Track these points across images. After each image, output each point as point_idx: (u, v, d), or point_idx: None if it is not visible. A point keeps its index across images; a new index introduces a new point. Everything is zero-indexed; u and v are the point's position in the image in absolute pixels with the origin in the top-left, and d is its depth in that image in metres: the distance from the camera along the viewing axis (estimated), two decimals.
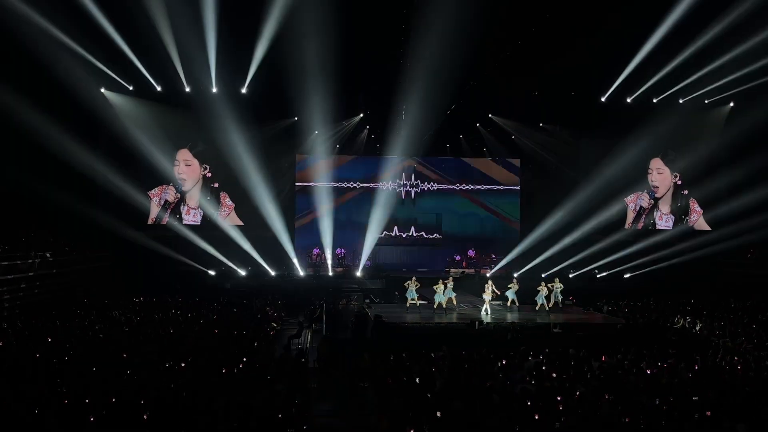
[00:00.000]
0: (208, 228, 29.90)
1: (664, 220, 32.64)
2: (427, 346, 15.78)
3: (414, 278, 22.47)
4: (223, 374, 12.67)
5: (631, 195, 32.56)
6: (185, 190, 30.59)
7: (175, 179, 30.46)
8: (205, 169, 30.62)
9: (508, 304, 22.15)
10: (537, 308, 21.50)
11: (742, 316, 22.05)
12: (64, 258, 25.22)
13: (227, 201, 30.88)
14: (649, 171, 32.63)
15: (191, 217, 30.51)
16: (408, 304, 21.85)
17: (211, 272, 27.72)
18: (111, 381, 11.77)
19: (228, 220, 30.52)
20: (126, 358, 13.65)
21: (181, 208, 30.51)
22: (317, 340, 18.01)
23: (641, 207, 32.53)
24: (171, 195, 30.38)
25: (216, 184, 30.84)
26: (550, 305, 21.77)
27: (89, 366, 12.72)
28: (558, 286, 21.83)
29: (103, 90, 27.90)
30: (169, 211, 30.15)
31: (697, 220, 32.51)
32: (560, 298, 21.68)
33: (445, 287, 22.09)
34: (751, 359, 15.44)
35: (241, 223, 30.30)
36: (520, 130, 31.61)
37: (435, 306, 21.69)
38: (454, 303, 22.19)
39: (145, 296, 23.56)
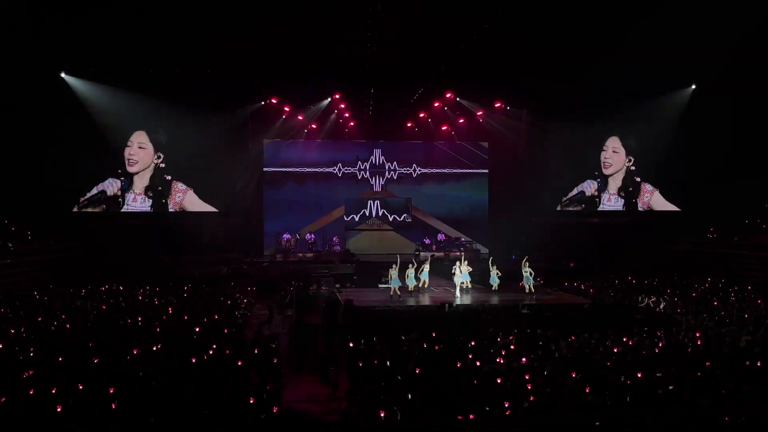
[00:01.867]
0: (162, 216, 29.44)
1: (612, 201, 33.15)
2: (398, 329, 15.87)
3: (411, 264, 22.46)
4: (194, 362, 12.55)
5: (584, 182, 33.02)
6: (132, 172, 29.87)
7: (124, 161, 29.58)
8: (159, 158, 29.98)
9: (495, 288, 22.21)
10: (527, 291, 21.67)
11: (704, 294, 22.61)
12: (27, 247, 24.69)
13: (179, 186, 30.22)
14: (605, 149, 33.10)
15: (138, 204, 29.83)
16: (411, 288, 21.65)
17: (178, 259, 27.34)
18: (78, 370, 11.59)
19: (185, 206, 29.93)
20: (93, 347, 13.43)
21: (127, 195, 29.75)
22: (288, 326, 17.93)
23: (582, 192, 32.96)
24: (114, 188, 29.59)
25: (168, 177, 30.11)
26: (524, 286, 21.93)
27: (55, 355, 12.52)
28: (526, 268, 22.01)
29: (63, 75, 27.35)
30: (104, 202, 29.23)
31: (650, 199, 33.07)
32: (531, 281, 21.88)
33: (421, 270, 22.15)
34: (711, 336, 15.85)
35: (208, 210, 29.93)
36: (488, 113, 31.78)
37: (411, 288, 21.65)
38: (426, 286, 22.24)
39: (111, 284, 23.19)
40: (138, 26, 22.35)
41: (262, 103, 29.98)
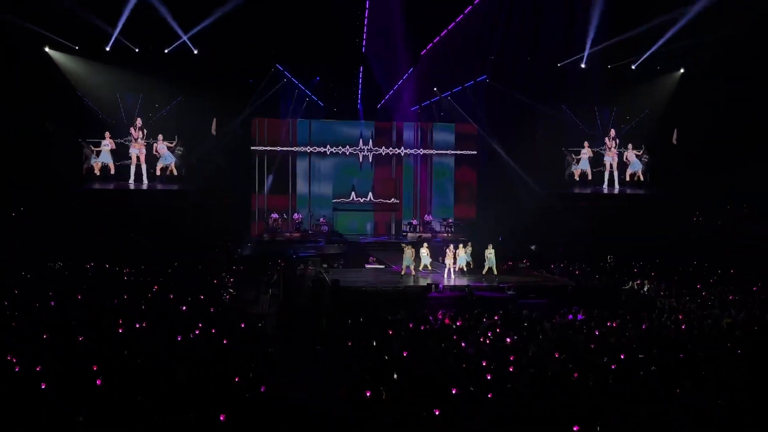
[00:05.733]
0: (149, 195, 29.24)
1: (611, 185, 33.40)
2: (384, 310, 15.97)
3: (426, 245, 22.61)
4: (179, 340, 12.53)
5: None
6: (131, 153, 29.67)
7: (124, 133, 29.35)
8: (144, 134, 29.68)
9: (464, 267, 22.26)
10: (484, 272, 21.78)
11: (688, 277, 22.85)
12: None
13: (167, 159, 29.92)
14: (607, 138, 33.16)
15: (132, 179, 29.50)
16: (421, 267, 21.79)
17: (163, 239, 27.11)
18: (62, 348, 11.55)
19: (173, 184, 29.77)
20: (77, 325, 13.37)
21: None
22: (275, 306, 18.00)
23: (589, 157, 32.89)
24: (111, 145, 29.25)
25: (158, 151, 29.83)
26: (484, 271, 22.05)
27: (40, 333, 12.47)
28: (490, 252, 22.07)
29: (47, 49, 26.99)
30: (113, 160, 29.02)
31: (638, 171, 33.09)
32: (494, 263, 21.99)
33: (416, 253, 22.20)
34: (694, 318, 16.03)
35: (197, 188, 29.69)
36: (477, 95, 31.70)
37: (402, 272, 21.59)
38: (429, 268, 22.09)
39: (98, 263, 23.06)
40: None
41: (251, 81, 29.59)
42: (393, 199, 32.61)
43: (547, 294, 19.12)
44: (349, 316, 15.14)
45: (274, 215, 30.54)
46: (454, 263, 21.49)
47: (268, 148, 31.70)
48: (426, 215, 32.26)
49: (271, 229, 30.04)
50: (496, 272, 21.57)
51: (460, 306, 17.37)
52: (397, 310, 16.05)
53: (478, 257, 22.42)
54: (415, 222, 31.68)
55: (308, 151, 32.23)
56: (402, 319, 14.91)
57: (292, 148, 32.07)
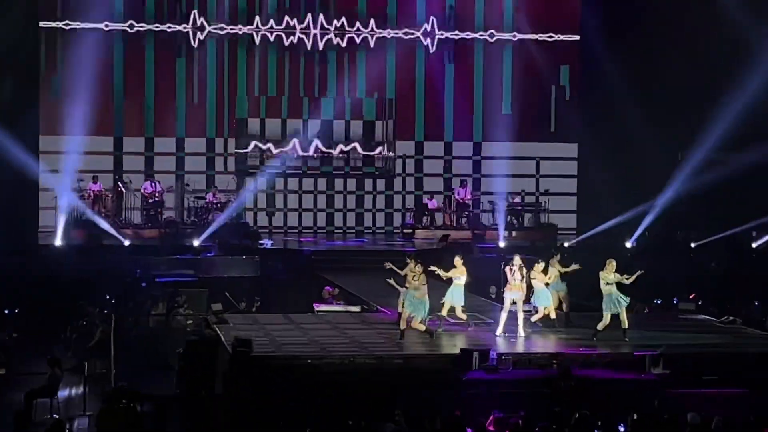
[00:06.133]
0: None
1: None
2: (359, 412, 9.34)
3: (460, 259, 11.87)
4: None
5: None
6: None
7: None
8: None
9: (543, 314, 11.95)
10: (602, 325, 11.79)
11: None
12: None
13: None
14: None
15: None
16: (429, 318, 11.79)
17: None
18: None
19: None
20: None
21: None
22: (97, 399, 11.67)
23: None
24: None
25: None
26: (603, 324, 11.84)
27: None
28: (610, 275, 11.95)
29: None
30: None
31: None
32: (622, 303, 11.73)
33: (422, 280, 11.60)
34: None
35: None
36: None
37: (402, 323, 11.69)
38: (463, 317, 11.93)
39: None
40: None
41: None
42: (380, 150, 19.99)
43: (745, 374, 10.50)
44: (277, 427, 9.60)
45: (94, 186, 18.58)
46: (528, 302, 11.97)
47: (76, 26, 19.29)
48: (429, 200, 19.72)
49: (84, 222, 17.99)
50: (626, 324, 11.59)
51: (539, 402, 9.78)
52: (389, 411, 9.39)
53: (585, 285, 12.45)
54: (432, 203, 19.53)
55: (172, 29, 19.39)
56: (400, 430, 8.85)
57: (124, 26, 19.47)
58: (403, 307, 11.49)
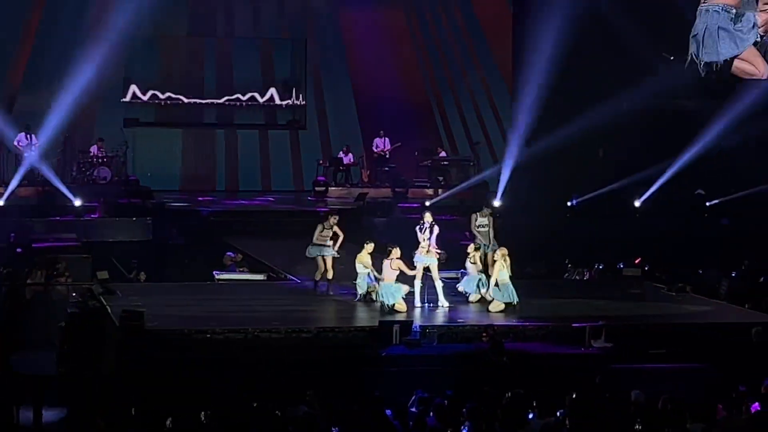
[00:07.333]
0: None
1: None
2: (269, 391, 8.45)
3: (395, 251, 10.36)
4: None
5: None
6: None
7: None
8: None
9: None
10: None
11: None
12: None
13: None
14: None
15: None
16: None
17: None
18: None
19: None
20: None
21: None
22: None
23: None
24: None
25: None
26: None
27: None
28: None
29: None
30: None
31: None
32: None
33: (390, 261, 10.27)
34: None
35: None
36: None
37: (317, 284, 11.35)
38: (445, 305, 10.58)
39: None
40: None
41: None
42: (295, 100, 18.34)
43: (698, 347, 9.57)
44: (169, 406, 8.02)
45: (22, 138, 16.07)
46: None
47: None
48: (379, 139, 17.64)
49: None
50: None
51: (467, 380, 8.79)
52: (299, 391, 8.24)
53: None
54: (346, 157, 17.68)
55: None
56: (311, 420, 7.39)
57: None
58: (375, 298, 10.37)
